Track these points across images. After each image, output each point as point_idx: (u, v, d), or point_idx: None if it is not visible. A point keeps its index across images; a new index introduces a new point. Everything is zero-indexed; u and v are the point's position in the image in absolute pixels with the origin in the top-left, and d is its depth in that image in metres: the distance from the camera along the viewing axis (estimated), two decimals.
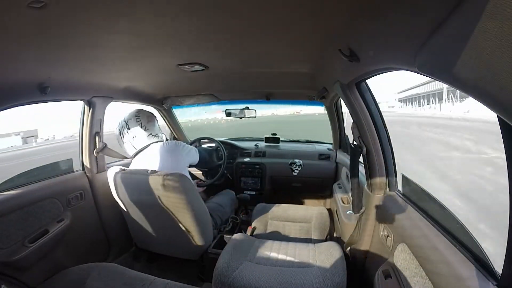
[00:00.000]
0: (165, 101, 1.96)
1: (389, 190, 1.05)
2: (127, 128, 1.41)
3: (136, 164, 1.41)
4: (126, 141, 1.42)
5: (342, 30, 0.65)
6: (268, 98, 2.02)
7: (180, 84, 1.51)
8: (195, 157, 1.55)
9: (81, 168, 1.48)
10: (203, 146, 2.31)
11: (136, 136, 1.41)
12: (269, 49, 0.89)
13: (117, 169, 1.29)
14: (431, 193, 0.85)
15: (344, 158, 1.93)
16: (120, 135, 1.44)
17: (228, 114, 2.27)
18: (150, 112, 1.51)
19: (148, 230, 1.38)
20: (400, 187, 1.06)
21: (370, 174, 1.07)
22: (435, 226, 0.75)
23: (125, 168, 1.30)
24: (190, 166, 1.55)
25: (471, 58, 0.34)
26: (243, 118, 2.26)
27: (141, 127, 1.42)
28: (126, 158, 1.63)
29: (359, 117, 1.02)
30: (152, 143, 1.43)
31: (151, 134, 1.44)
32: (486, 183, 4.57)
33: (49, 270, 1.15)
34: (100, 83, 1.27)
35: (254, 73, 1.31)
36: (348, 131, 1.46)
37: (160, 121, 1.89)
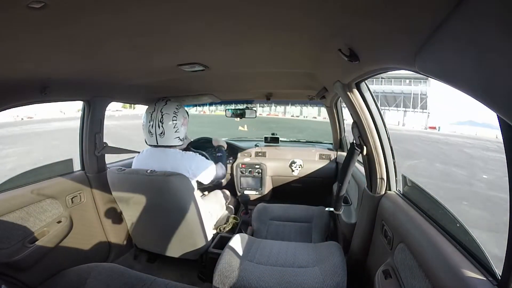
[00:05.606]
0: None
1: (389, 190, 1.05)
2: (160, 121, 1.27)
3: (143, 162, 1.34)
4: (152, 132, 1.28)
5: (342, 30, 0.65)
6: (268, 98, 2.02)
7: (180, 84, 1.51)
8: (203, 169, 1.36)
9: (81, 168, 1.48)
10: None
11: (164, 134, 1.29)
12: (269, 49, 0.89)
13: (117, 169, 1.29)
14: (431, 193, 0.85)
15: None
16: (147, 121, 1.29)
17: (228, 114, 2.28)
18: (187, 112, 1.39)
19: (148, 230, 1.38)
20: (400, 187, 1.06)
21: (370, 174, 1.07)
22: (435, 226, 0.76)
23: (125, 168, 1.30)
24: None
25: (471, 58, 0.34)
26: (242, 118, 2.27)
27: (174, 127, 1.30)
28: (130, 153, 1.60)
29: (359, 117, 1.01)
30: (172, 146, 1.32)
31: (178, 137, 1.33)
32: None
33: (49, 270, 1.15)
34: (100, 83, 1.27)
35: (254, 73, 1.31)
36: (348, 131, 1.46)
37: None
